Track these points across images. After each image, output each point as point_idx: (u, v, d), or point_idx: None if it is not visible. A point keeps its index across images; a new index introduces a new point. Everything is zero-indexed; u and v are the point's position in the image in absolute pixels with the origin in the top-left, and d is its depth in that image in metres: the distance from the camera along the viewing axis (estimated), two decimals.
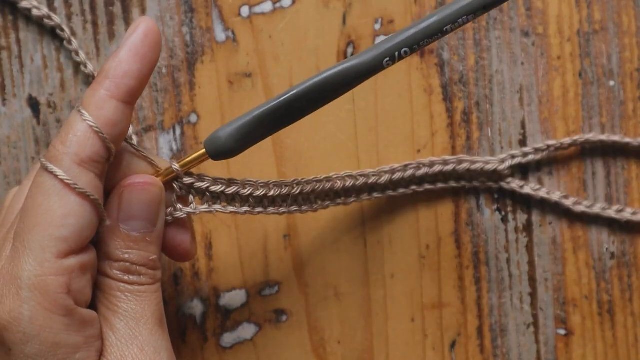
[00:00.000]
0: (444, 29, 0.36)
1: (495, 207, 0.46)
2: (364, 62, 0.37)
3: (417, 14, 0.45)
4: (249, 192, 0.39)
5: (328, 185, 0.41)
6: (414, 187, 0.44)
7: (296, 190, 0.40)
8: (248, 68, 0.46)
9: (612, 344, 0.46)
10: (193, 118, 0.46)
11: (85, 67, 0.45)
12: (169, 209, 0.39)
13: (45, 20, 0.45)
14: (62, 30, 0.45)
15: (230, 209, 0.39)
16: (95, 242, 0.37)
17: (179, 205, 0.39)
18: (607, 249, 0.46)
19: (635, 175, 0.46)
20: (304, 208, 0.41)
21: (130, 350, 0.35)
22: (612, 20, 0.46)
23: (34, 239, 0.34)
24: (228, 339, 0.46)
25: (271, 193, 0.39)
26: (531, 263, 0.46)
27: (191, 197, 0.39)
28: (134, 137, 0.45)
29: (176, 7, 0.46)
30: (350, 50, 0.46)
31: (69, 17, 0.46)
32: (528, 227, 0.46)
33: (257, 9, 0.46)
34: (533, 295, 0.46)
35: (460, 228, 0.46)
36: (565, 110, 0.46)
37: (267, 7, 0.46)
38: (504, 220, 0.46)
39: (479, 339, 0.46)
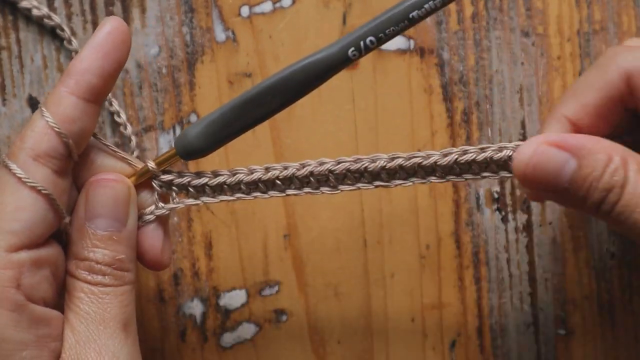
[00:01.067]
0: (410, 15, 0.35)
1: (495, 207, 0.46)
2: (330, 55, 0.36)
3: None
4: (237, 179, 0.38)
5: (326, 167, 0.38)
6: (413, 179, 0.39)
7: (302, 172, 0.38)
8: (248, 68, 0.46)
9: (612, 343, 0.46)
10: (193, 118, 0.46)
11: None
12: (150, 208, 0.38)
13: (45, 20, 0.45)
14: (62, 30, 0.45)
15: (222, 197, 0.39)
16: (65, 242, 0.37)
17: (160, 204, 0.38)
18: (607, 249, 0.46)
19: None
20: (305, 190, 0.39)
21: (87, 354, 0.35)
22: (612, 20, 0.46)
23: None
24: (228, 338, 0.46)
25: (267, 176, 0.38)
26: (531, 263, 0.46)
27: (174, 193, 0.39)
28: (134, 138, 0.45)
29: (176, 7, 0.46)
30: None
31: (69, 17, 0.46)
32: (528, 227, 0.46)
33: (257, 9, 0.46)
34: (533, 295, 0.46)
35: (460, 228, 0.46)
36: None
37: (267, 7, 0.46)
38: (504, 220, 0.46)
39: (479, 339, 0.46)
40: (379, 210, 0.46)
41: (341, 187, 0.38)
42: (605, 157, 0.35)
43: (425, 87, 0.46)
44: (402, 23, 0.35)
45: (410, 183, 0.38)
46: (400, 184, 0.38)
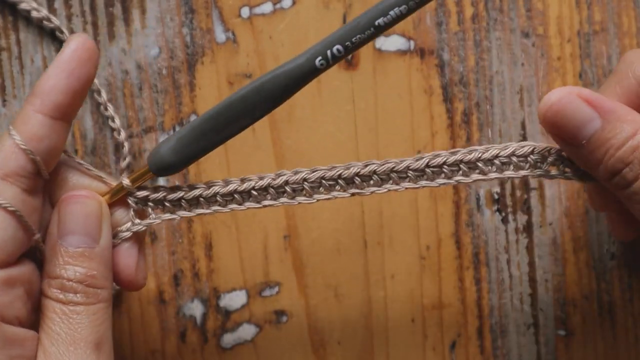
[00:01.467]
0: (376, 22, 0.35)
1: (495, 207, 0.46)
2: (297, 66, 0.36)
3: (417, 15, 0.45)
4: (213, 192, 0.38)
5: (301, 175, 0.38)
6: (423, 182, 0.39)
7: (277, 182, 0.38)
8: (248, 69, 0.46)
9: (612, 344, 0.46)
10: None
11: None
12: (127, 225, 0.38)
13: (45, 22, 0.45)
14: (62, 32, 0.45)
15: (198, 211, 0.38)
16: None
17: (137, 220, 0.38)
18: (607, 249, 0.46)
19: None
20: (281, 200, 0.38)
21: None
22: (612, 21, 0.46)
23: None
24: (228, 339, 0.46)
25: (242, 188, 0.38)
26: (531, 264, 0.46)
27: (149, 209, 0.38)
28: (126, 144, 0.45)
29: (176, 8, 0.46)
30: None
31: (69, 18, 0.46)
32: (528, 228, 0.46)
33: (257, 10, 0.46)
34: (533, 295, 0.46)
35: (461, 229, 0.46)
36: None
37: (267, 8, 0.46)
38: (504, 221, 0.46)
39: (479, 339, 0.46)
40: (379, 211, 0.46)
41: (316, 196, 0.38)
42: (631, 129, 0.34)
43: (425, 88, 0.46)
44: (368, 31, 0.35)
45: (385, 190, 0.38)
46: (375, 191, 0.38)
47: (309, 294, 0.46)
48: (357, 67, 0.46)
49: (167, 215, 0.38)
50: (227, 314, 0.46)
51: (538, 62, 0.46)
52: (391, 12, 0.35)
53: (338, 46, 0.35)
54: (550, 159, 0.38)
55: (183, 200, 0.38)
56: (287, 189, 0.38)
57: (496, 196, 0.46)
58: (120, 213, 0.39)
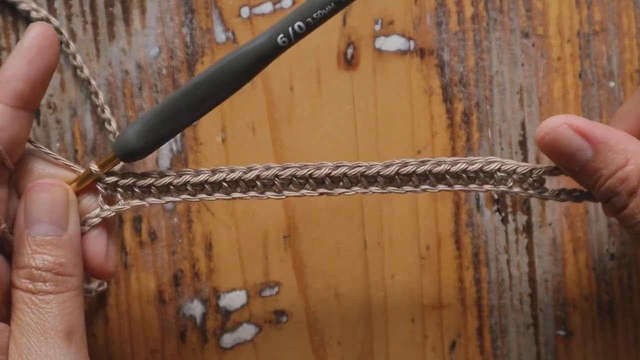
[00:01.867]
0: None
1: (495, 208, 0.46)
2: (260, 45, 0.36)
3: (417, 15, 0.45)
4: (184, 180, 0.38)
5: (273, 172, 0.38)
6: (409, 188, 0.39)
7: (248, 175, 0.38)
8: None
9: (612, 344, 0.46)
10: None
11: (82, 71, 0.45)
12: (95, 211, 0.38)
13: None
14: (61, 33, 0.45)
15: (167, 198, 0.38)
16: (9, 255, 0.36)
17: (105, 206, 0.38)
18: (607, 249, 0.46)
19: None
20: (250, 193, 0.38)
21: None
22: (612, 21, 0.46)
23: None
24: (228, 339, 0.46)
25: (213, 179, 0.38)
26: (531, 264, 0.46)
27: (119, 195, 0.38)
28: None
29: (176, 8, 0.46)
30: (350, 51, 0.46)
31: (69, 18, 0.46)
32: (528, 228, 0.46)
33: (257, 10, 0.46)
34: (533, 296, 0.46)
35: (460, 229, 0.46)
36: (566, 111, 0.46)
37: (267, 7, 0.46)
38: (504, 221, 0.46)
39: (479, 339, 0.46)
40: (379, 211, 0.46)
41: (286, 192, 0.38)
42: (622, 159, 0.35)
43: (425, 88, 0.46)
44: (329, 6, 0.35)
45: (353, 192, 0.39)
46: (344, 192, 0.39)
47: (308, 294, 0.46)
48: (357, 67, 0.46)
49: (136, 202, 0.38)
50: (227, 314, 0.46)
51: (538, 63, 0.46)
52: None
53: (299, 23, 0.35)
54: (515, 177, 0.39)
55: (153, 187, 0.38)
56: (258, 183, 0.38)
57: (496, 196, 0.46)
58: (88, 200, 0.38)
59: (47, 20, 0.45)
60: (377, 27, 0.46)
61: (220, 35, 0.46)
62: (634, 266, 0.46)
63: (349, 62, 0.46)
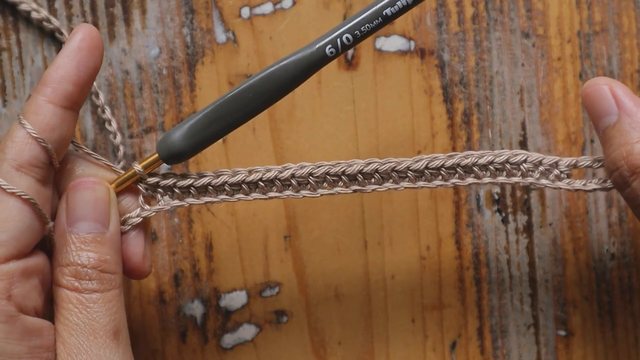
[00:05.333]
0: (384, 12, 0.36)
1: (495, 208, 0.46)
2: (308, 54, 0.37)
3: (418, 15, 0.45)
4: (222, 181, 0.39)
5: (307, 170, 0.39)
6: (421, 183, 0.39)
7: (283, 174, 0.39)
8: (248, 69, 0.46)
9: (612, 344, 0.46)
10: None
11: None
12: (136, 210, 0.38)
13: (45, 23, 0.45)
14: (61, 33, 0.45)
15: (206, 199, 0.39)
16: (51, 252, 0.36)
17: (146, 206, 0.38)
18: (607, 249, 0.46)
19: None
20: (286, 192, 0.39)
21: None
22: (612, 21, 0.46)
23: None
24: (228, 340, 0.46)
25: (250, 178, 0.39)
26: (531, 264, 0.46)
27: (159, 195, 0.39)
28: (121, 148, 0.45)
29: (176, 9, 0.46)
30: (350, 51, 0.46)
31: (69, 18, 0.46)
32: (528, 228, 0.46)
33: (258, 10, 0.46)
34: (533, 296, 0.46)
35: (461, 229, 0.46)
36: (566, 111, 0.46)
37: (267, 8, 0.46)
38: (504, 221, 0.46)
39: (479, 339, 0.46)
40: (379, 211, 0.46)
41: (320, 190, 0.39)
42: (636, 137, 0.35)
43: (425, 88, 0.46)
44: (376, 20, 0.36)
45: (385, 188, 0.39)
46: (375, 189, 0.39)
47: (309, 294, 0.46)
48: (358, 68, 0.46)
49: (176, 202, 0.39)
50: (228, 314, 0.46)
51: (538, 63, 0.46)
52: (398, 3, 0.36)
53: (347, 35, 0.36)
54: (541, 168, 0.39)
55: (192, 188, 0.39)
56: (293, 182, 0.39)
57: (496, 196, 0.46)
58: (127, 200, 0.39)
59: (48, 21, 0.45)
60: None
61: (220, 36, 0.46)
62: (634, 266, 0.46)
63: (349, 63, 0.46)
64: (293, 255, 0.46)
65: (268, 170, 0.39)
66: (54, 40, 0.45)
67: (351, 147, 0.46)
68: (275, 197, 0.39)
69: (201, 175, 0.39)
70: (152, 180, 0.39)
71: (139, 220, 0.38)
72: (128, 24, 0.46)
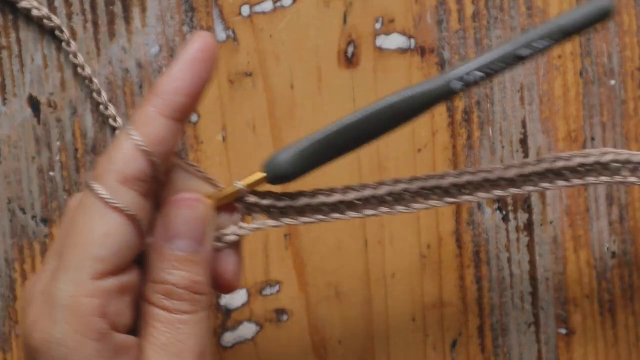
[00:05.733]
0: (519, 53, 0.34)
1: (496, 206, 0.46)
2: (436, 87, 0.35)
3: (418, 14, 0.45)
4: (320, 201, 0.37)
5: (401, 186, 0.38)
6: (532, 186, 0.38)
7: (379, 192, 0.38)
8: (249, 67, 0.46)
9: (613, 343, 0.46)
10: (193, 117, 0.46)
11: (83, 69, 0.45)
12: (232, 228, 0.37)
13: (45, 21, 0.45)
14: (62, 31, 0.45)
15: (303, 219, 0.38)
16: (140, 264, 0.35)
17: (243, 224, 0.37)
18: (608, 248, 0.46)
19: None
20: (382, 209, 0.38)
21: None
22: (612, 20, 0.46)
23: (72, 258, 0.32)
24: (229, 338, 0.46)
25: (349, 198, 0.38)
26: (532, 262, 0.46)
27: (254, 214, 0.37)
28: None
29: (177, 7, 0.46)
30: (351, 49, 0.46)
31: (69, 17, 0.46)
32: (529, 227, 0.46)
33: (258, 8, 0.46)
34: (534, 294, 0.46)
35: (461, 227, 0.46)
36: (566, 109, 0.46)
37: (267, 6, 0.46)
38: (505, 219, 0.46)
39: (480, 338, 0.46)
40: None
41: (415, 205, 0.38)
42: None
43: None
44: (509, 60, 0.35)
45: (478, 199, 0.38)
46: (469, 200, 0.38)
47: (309, 293, 0.46)
48: (358, 66, 0.46)
49: (272, 222, 0.37)
50: (228, 312, 0.46)
51: (539, 61, 0.46)
52: (535, 45, 0.34)
53: (478, 72, 0.35)
54: (630, 166, 0.38)
55: (291, 208, 0.38)
56: (388, 199, 0.38)
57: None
58: (224, 217, 0.37)
59: (48, 19, 0.45)
60: (378, 26, 0.46)
61: (220, 34, 0.46)
62: (635, 264, 0.46)
63: (349, 61, 0.46)
64: (293, 253, 0.46)
65: (363, 188, 0.38)
66: (54, 38, 0.45)
67: None
68: (372, 215, 0.38)
69: (299, 196, 0.38)
70: (252, 199, 0.37)
71: (235, 238, 0.37)
72: (128, 22, 0.46)
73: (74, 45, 0.45)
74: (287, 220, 0.38)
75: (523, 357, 0.46)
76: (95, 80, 0.45)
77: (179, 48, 0.46)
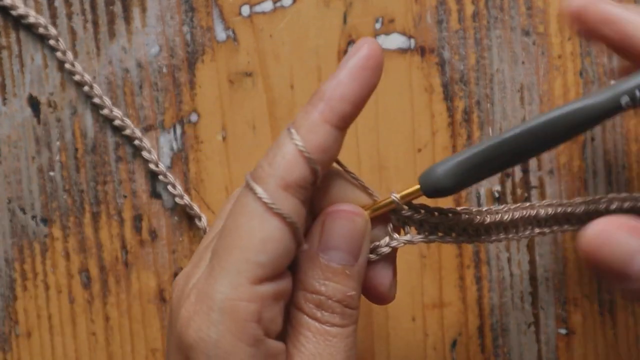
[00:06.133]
0: None
1: None
2: (602, 102, 0.33)
3: (418, 13, 0.45)
4: (468, 221, 0.37)
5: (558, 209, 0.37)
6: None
7: (530, 212, 0.37)
8: (248, 67, 0.46)
9: (613, 343, 0.46)
10: (193, 117, 0.46)
11: (82, 77, 0.45)
12: (385, 240, 0.37)
13: (41, 30, 0.45)
14: (57, 41, 0.45)
15: (448, 239, 0.37)
16: (291, 269, 0.35)
17: (395, 235, 0.36)
18: None
19: (636, 174, 0.46)
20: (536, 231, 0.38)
21: None
22: None
23: (230, 260, 0.32)
24: None
25: (498, 219, 0.37)
26: (532, 262, 0.46)
27: (407, 227, 0.37)
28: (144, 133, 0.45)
29: (176, 7, 0.46)
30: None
31: (69, 17, 0.46)
32: None
33: (258, 8, 0.46)
34: (534, 294, 0.46)
35: None
36: None
37: (267, 6, 0.46)
38: None
39: (480, 338, 0.46)
40: None
41: (566, 226, 0.38)
42: None
43: (425, 86, 0.46)
44: None
45: None
46: None
47: None
48: None
49: (420, 237, 0.37)
50: None
51: (539, 61, 0.46)
52: None
53: None
54: None
55: (440, 225, 0.37)
56: (545, 221, 0.38)
57: (497, 194, 0.46)
58: (376, 229, 0.37)
59: (45, 28, 0.45)
60: (378, 26, 0.46)
61: (220, 34, 0.46)
62: None
63: None
64: None
65: (516, 210, 0.37)
66: (50, 47, 0.45)
67: (351, 145, 0.46)
68: (524, 237, 0.37)
69: (447, 213, 0.37)
70: (407, 212, 0.36)
71: (388, 250, 0.36)
72: (128, 22, 0.46)
73: (69, 56, 0.45)
74: (434, 238, 0.37)
75: (523, 357, 0.46)
76: (95, 85, 0.45)
77: (179, 48, 0.46)
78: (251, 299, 0.32)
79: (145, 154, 0.45)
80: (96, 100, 0.45)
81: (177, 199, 0.45)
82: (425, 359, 0.46)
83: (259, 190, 0.32)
